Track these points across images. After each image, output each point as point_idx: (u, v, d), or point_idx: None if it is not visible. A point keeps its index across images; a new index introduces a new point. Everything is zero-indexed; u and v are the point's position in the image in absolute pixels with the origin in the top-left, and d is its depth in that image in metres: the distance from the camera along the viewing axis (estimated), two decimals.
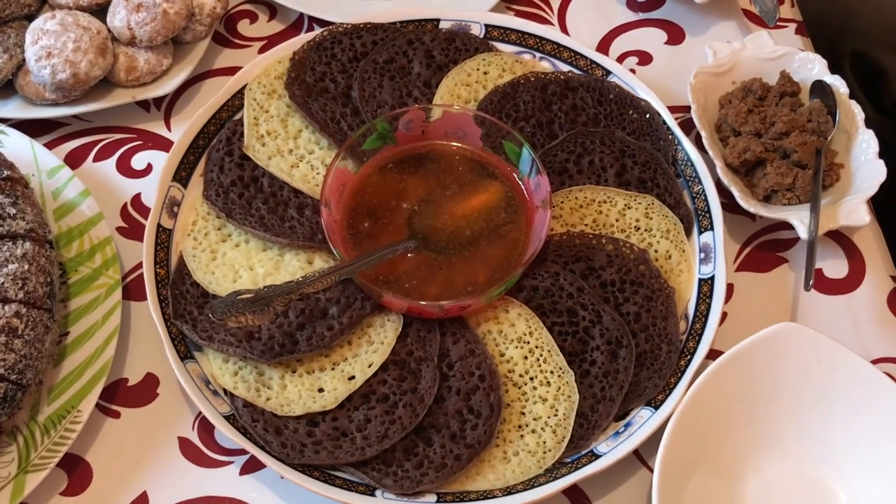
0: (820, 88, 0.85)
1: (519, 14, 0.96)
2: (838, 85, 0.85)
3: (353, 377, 0.72)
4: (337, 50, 0.87)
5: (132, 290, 0.79)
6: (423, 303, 0.73)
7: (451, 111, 0.81)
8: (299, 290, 0.69)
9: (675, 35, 0.94)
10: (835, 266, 0.82)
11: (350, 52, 0.87)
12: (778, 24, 0.94)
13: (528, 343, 0.73)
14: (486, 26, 0.89)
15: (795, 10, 0.97)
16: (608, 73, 0.87)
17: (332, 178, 0.77)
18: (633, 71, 0.92)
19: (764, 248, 0.83)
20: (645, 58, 0.93)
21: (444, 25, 0.89)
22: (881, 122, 1.22)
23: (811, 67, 0.86)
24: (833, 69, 1.19)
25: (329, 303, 0.75)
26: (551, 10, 0.96)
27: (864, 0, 1.11)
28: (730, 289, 0.80)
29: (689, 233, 0.80)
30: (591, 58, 0.87)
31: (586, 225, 0.80)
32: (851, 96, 1.22)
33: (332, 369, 0.72)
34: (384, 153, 0.81)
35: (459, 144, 0.81)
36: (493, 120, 0.79)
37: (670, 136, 0.83)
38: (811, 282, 0.75)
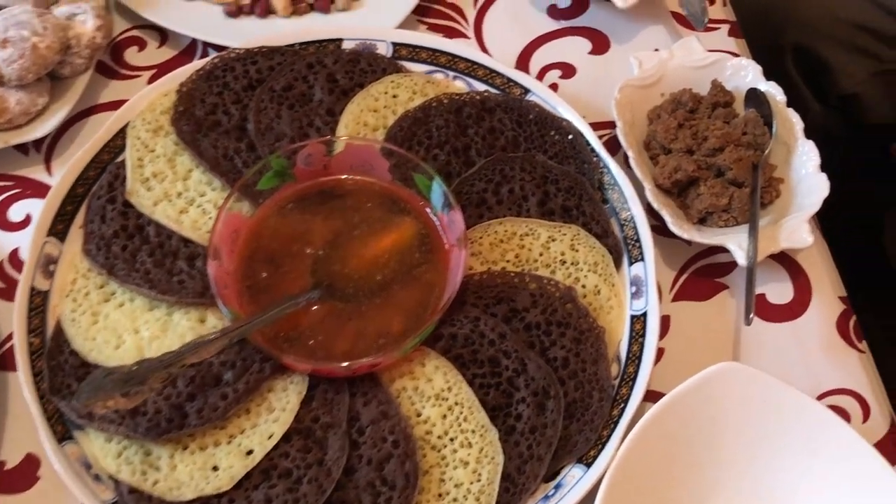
0: (755, 97, 0.79)
1: (432, 28, 0.88)
2: (774, 93, 0.78)
3: (251, 451, 0.64)
4: (229, 78, 0.80)
5: (8, 360, 0.71)
6: (330, 365, 0.66)
7: (355, 143, 0.73)
8: (179, 362, 0.61)
9: (600, 44, 0.88)
10: (779, 290, 0.76)
11: (244, 80, 0.80)
12: (709, 26, 0.88)
13: (447, 400, 0.66)
14: (394, 45, 0.82)
15: (728, 10, 0.91)
16: (527, 91, 0.80)
17: (222, 225, 0.69)
18: (555, 85, 0.85)
19: (702, 274, 0.76)
20: (568, 70, 0.86)
21: (347, 45, 0.82)
22: (827, 115, 1.16)
23: (745, 74, 0.80)
24: (775, 64, 1.14)
25: (223, 367, 0.67)
26: (467, 21, 0.89)
27: None
28: (666, 321, 0.74)
29: (618, 264, 0.73)
30: (509, 76, 0.80)
31: (508, 261, 0.73)
32: (794, 92, 1.17)
33: (228, 443, 0.65)
34: (283, 192, 0.73)
35: (366, 178, 0.74)
36: (400, 152, 0.72)
37: (595, 159, 0.77)
38: (751, 315, 0.69)
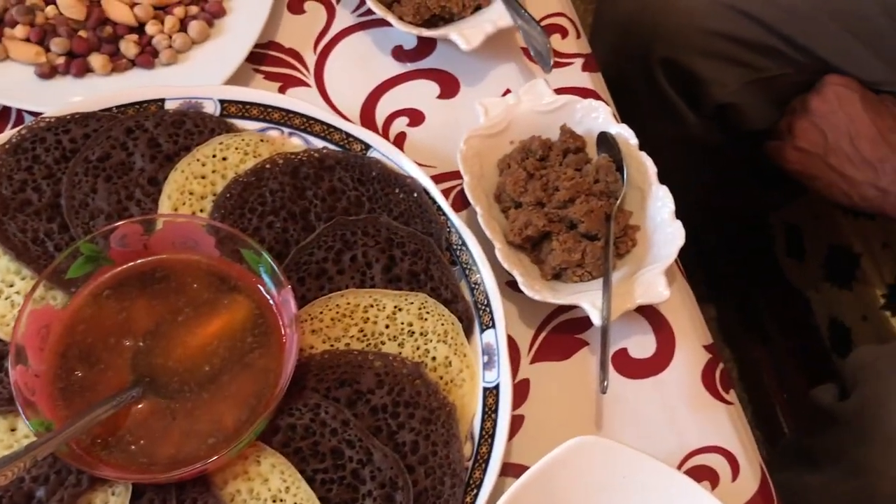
0: (606, 140, 0.75)
1: (269, 76, 0.82)
2: (627, 136, 0.75)
3: None
4: (40, 150, 0.72)
5: None
6: (151, 474, 0.60)
7: (175, 221, 0.67)
8: None
9: (449, 87, 0.83)
10: (641, 343, 0.72)
11: (56, 152, 0.72)
12: (561, 62, 0.84)
13: (285, 502, 0.61)
14: (222, 102, 0.76)
15: (582, 42, 0.87)
16: (368, 146, 0.75)
17: (26, 322, 0.62)
18: (403, 134, 0.80)
19: (561, 331, 0.72)
20: (416, 117, 0.81)
21: (170, 106, 0.75)
22: (703, 125, 1.14)
23: (596, 116, 0.76)
24: (646, 80, 1.11)
25: (35, 483, 0.60)
26: (307, 68, 0.83)
27: (667, 7, 1.02)
28: (525, 386, 0.70)
29: (470, 331, 0.69)
30: (348, 131, 0.75)
31: (352, 337, 0.68)
32: (668, 104, 1.14)
33: None
34: (98, 278, 0.67)
35: (191, 256, 0.68)
36: (224, 228, 0.66)
37: (442, 218, 0.72)
38: (605, 383, 0.65)
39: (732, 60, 1.04)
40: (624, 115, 0.86)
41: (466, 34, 0.79)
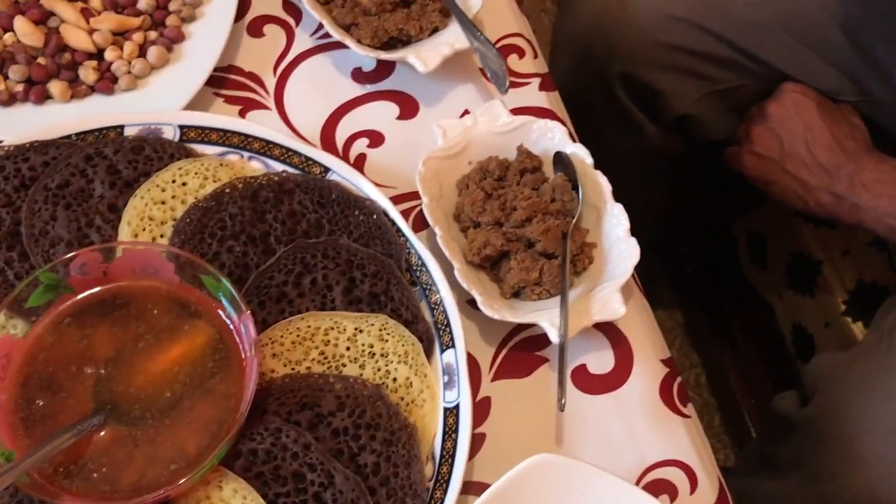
0: (562, 160, 0.76)
1: (229, 100, 0.83)
2: (582, 155, 0.76)
3: None
4: None
5: None
6: (114, 501, 0.60)
7: (134, 249, 0.68)
8: None
9: (408, 108, 0.84)
10: (600, 358, 0.73)
11: (16, 180, 0.73)
12: (518, 82, 0.85)
13: None
14: (181, 127, 0.76)
15: (539, 62, 0.88)
16: (327, 169, 0.75)
17: None
18: (363, 156, 0.81)
19: (522, 349, 0.73)
20: (376, 138, 0.82)
21: (129, 132, 0.76)
22: (664, 136, 1.16)
23: (551, 136, 0.77)
24: (605, 95, 1.13)
25: None
26: (267, 91, 0.84)
27: (623, 22, 1.04)
28: (487, 404, 0.71)
29: (431, 351, 0.70)
30: (306, 154, 0.76)
31: (313, 360, 0.68)
32: (628, 117, 1.16)
33: None
34: (59, 306, 0.67)
35: (151, 283, 0.68)
36: (183, 254, 0.67)
37: (401, 239, 0.73)
38: (563, 401, 0.66)
39: (691, 73, 1.06)
40: (584, 128, 0.87)
41: (424, 57, 0.80)
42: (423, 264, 0.71)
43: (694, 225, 1.57)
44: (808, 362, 1.11)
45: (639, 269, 0.73)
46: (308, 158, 0.76)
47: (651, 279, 0.70)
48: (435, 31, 0.83)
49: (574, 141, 0.79)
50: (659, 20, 1.01)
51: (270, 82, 0.84)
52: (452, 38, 0.82)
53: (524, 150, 0.76)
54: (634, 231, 0.73)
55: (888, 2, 0.97)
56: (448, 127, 0.77)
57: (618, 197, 0.74)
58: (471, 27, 0.81)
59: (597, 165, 0.76)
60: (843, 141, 0.99)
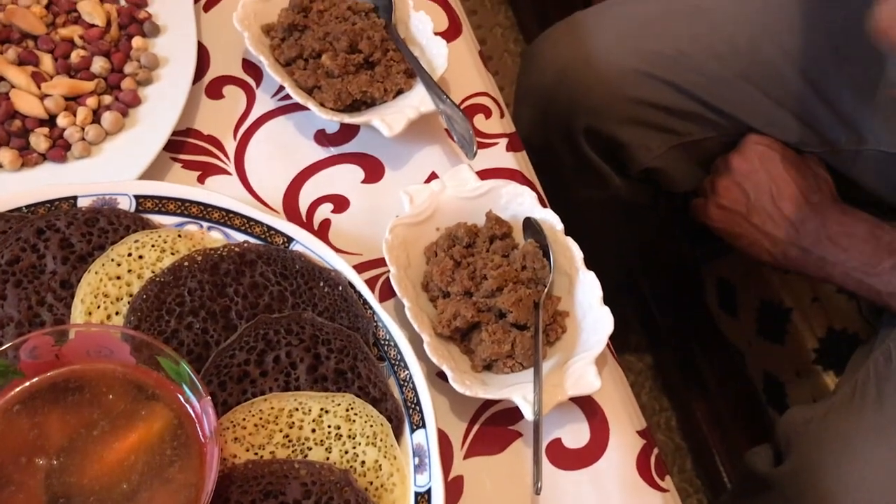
0: (532, 226, 0.75)
1: (188, 165, 0.80)
2: (553, 222, 0.74)
3: None
4: None
5: None
6: None
7: (87, 331, 0.64)
8: None
9: (373, 171, 0.82)
10: (575, 432, 0.71)
11: None
12: (485, 142, 0.83)
13: None
14: (137, 198, 0.73)
15: (506, 122, 0.86)
16: (291, 239, 0.73)
17: None
18: (328, 222, 0.79)
19: (495, 423, 0.71)
20: (341, 203, 0.80)
21: (83, 203, 0.73)
22: (630, 187, 1.15)
23: (521, 201, 0.76)
24: (571, 149, 1.12)
25: None
26: (227, 155, 0.81)
27: (588, 76, 1.03)
28: (459, 483, 0.68)
29: (400, 431, 0.67)
30: (268, 223, 0.73)
31: (277, 444, 0.65)
32: (594, 171, 1.15)
33: None
34: (7, 393, 0.64)
35: (107, 365, 0.65)
36: (138, 336, 0.64)
37: (368, 312, 0.70)
38: (539, 484, 0.63)
39: (655, 126, 1.05)
40: (550, 178, 0.86)
41: (389, 121, 0.78)
42: (392, 338, 0.69)
43: (663, 268, 1.57)
44: (783, 410, 1.09)
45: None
46: (270, 228, 0.73)
47: (620, 320, 0.69)
48: (400, 92, 0.82)
49: (544, 205, 0.77)
50: (623, 74, 1.01)
51: (231, 146, 0.82)
52: (418, 100, 0.80)
53: (493, 217, 0.75)
54: (602, 272, 0.71)
55: (848, 46, 0.97)
56: (415, 193, 0.75)
57: (586, 243, 0.73)
58: (436, 90, 0.79)
59: (564, 216, 0.74)
60: (809, 193, 0.99)
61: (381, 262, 0.76)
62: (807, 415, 0.99)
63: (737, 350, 1.38)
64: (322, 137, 0.83)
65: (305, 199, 0.80)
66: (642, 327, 1.68)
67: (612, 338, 0.71)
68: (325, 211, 0.79)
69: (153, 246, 0.72)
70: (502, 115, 0.86)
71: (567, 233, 0.74)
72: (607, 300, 0.70)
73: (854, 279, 0.97)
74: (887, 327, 1.00)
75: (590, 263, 0.73)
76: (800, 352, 1.24)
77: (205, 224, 0.74)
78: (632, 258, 1.48)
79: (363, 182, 0.81)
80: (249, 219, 0.73)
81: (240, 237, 0.73)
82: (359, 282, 0.71)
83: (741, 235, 1.01)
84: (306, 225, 0.78)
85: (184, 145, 0.81)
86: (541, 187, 0.84)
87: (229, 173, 0.80)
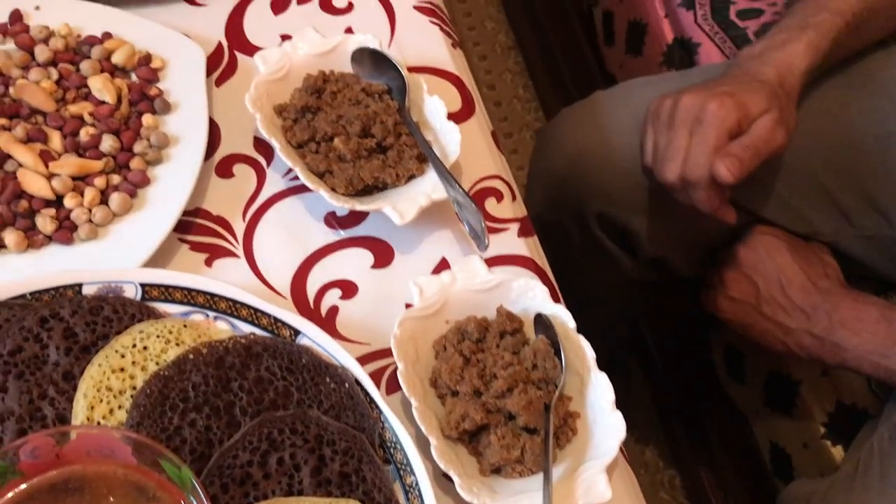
0: (543, 322, 0.73)
1: (196, 247, 0.79)
2: (565, 319, 0.73)
3: None
4: None
5: None
6: None
7: (89, 433, 0.63)
8: None
9: (383, 256, 0.81)
10: None
11: None
12: (497, 227, 0.82)
13: None
14: (143, 285, 0.72)
15: (518, 205, 0.85)
16: (297, 332, 0.72)
17: None
18: (335, 309, 0.77)
19: None
20: (349, 289, 0.79)
21: (88, 290, 0.72)
22: (641, 269, 1.14)
23: (532, 296, 0.75)
24: (581, 230, 1.11)
25: None
26: (235, 237, 0.80)
27: (603, 162, 1.02)
28: None
29: None
30: (275, 315, 0.72)
31: None
32: (605, 253, 1.13)
33: None
34: (5, 493, 0.62)
35: (107, 465, 0.64)
36: (140, 438, 0.63)
37: (375, 412, 0.69)
38: None
39: (666, 217, 1.04)
40: (560, 258, 0.85)
41: (400, 209, 0.77)
42: (398, 441, 0.68)
43: (670, 325, 1.55)
44: (786, 485, 1.08)
45: (612, 366, 0.70)
46: (277, 319, 0.72)
47: (623, 375, 0.68)
48: (412, 177, 0.81)
49: (556, 299, 0.76)
50: (636, 164, 0.99)
51: (239, 227, 0.81)
52: (429, 186, 0.79)
53: (504, 312, 0.73)
54: (607, 326, 0.70)
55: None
56: (425, 285, 0.74)
57: (591, 311, 0.72)
58: (449, 178, 0.78)
59: (568, 293, 0.73)
60: (817, 280, 0.98)
61: (388, 353, 0.74)
62: (809, 489, 0.97)
63: (744, 417, 1.36)
64: (332, 220, 0.82)
65: (314, 284, 0.79)
66: (651, 393, 1.66)
67: (616, 391, 0.70)
68: (333, 297, 0.78)
69: (158, 336, 0.70)
70: (514, 199, 0.85)
71: (572, 303, 0.73)
72: (611, 357, 0.69)
73: (869, 362, 0.95)
74: (894, 402, 0.98)
75: (594, 320, 0.72)
76: (808, 424, 1.22)
77: (211, 314, 0.73)
78: (638, 315, 1.47)
79: (372, 267, 0.80)
80: (256, 310, 0.72)
81: (246, 328, 0.72)
82: (366, 380, 0.70)
83: (752, 326, 1.00)
84: (314, 312, 0.77)
85: (192, 226, 0.80)
86: (551, 272, 0.83)
87: (237, 256, 0.79)
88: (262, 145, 0.85)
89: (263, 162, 0.84)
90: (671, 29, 1.44)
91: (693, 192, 0.87)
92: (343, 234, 0.81)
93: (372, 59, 0.85)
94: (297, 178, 0.82)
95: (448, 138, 0.81)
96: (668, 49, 1.44)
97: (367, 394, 0.69)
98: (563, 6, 1.95)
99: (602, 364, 0.71)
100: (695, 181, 0.85)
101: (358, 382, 0.70)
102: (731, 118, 0.82)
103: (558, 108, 1.09)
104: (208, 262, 0.79)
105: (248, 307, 0.72)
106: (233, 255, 0.79)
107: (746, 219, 1.01)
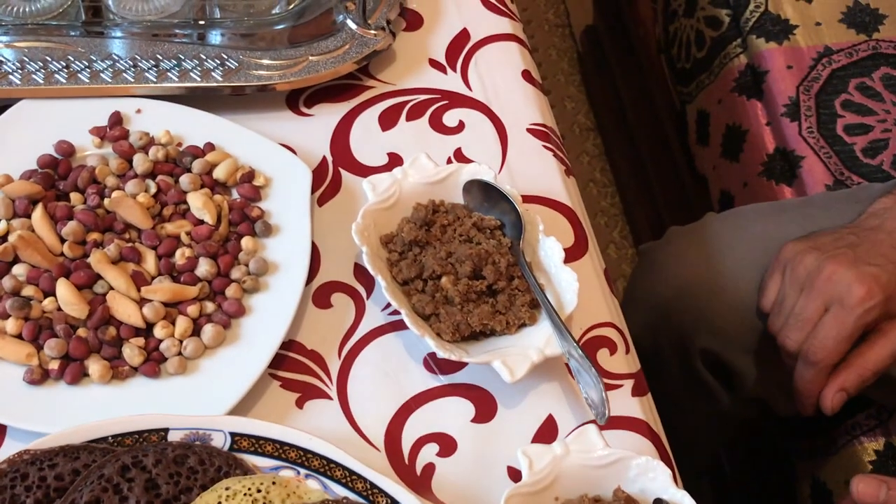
0: None
1: (287, 384, 0.74)
2: None
3: None
4: (20, 489, 0.63)
5: None
6: None
7: None
8: None
9: (485, 408, 0.74)
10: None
11: (39, 491, 0.63)
12: (610, 384, 0.76)
13: None
14: (233, 435, 0.67)
15: (631, 358, 0.79)
16: (394, 500, 0.66)
17: None
18: (431, 466, 0.71)
19: None
20: (447, 444, 0.73)
21: (174, 436, 0.66)
22: (739, 405, 1.07)
23: (653, 477, 0.68)
24: (683, 364, 1.04)
25: None
26: (330, 377, 0.75)
27: (711, 298, 0.95)
28: None
29: None
30: (372, 480, 0.66)
31: None
32: (705, 388, 1.05)
33: None
34: None
35: None
36: None
37: None
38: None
39: (770, 361, 0.96)
40: (655, 383, 0.79)
41: (510, 364, 0.71)
42: None
43: (751, 457, 1.46)
44: None
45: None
46: (374, 486, 0.66)
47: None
48: (522, 325, 0.75)
49: (677, 483, 0.69)
50: (751, 300, 0.92)
51: (334, 365, 0.75)
52: (542, 340, 0.73)
53: (623, 497, 0.67)
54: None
55: None
56: (534, 455, 0.67)
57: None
58: (564, 332, 0.72)
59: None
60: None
61: None
62: None
63: None
64: (431, 362, 0.76)
65: (409, 435, 0.73)
66: None
67: None
68: (429, 453, 0.72)
69: (245, 495, 0.65)
70: (627, 351, 0.79)
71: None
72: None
73: None
74: None
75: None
76: None
77: (303, 471, 0.67)
78: (718, 442, 1.39)
79: (473, 420, 0.74)
80: (352, 472, 0.66)
81: (339, 490, 0.66)
82: None
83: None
84: (409, 469, 0.71)
85: (284, 360, 0.75)
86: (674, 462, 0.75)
87: (330, 398, 0.74)
88: (362, 273, 0.79)
89: (363, 292, 0.79)
90: (773, 138, 1.38)
91: (804, 369, 0.81)
92: (443, 379, 0.75)
93: (484, 188, 0.80)
94: (396, 311, 0.77)
95: (564, 286, 0.75)
96: (768, 159, 1.37)
97: None
98: (650, 97, 1.89)
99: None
100: (812, 362, 0.79)
101: None
102: (873, 314, 0.76)
103: (636, 196, 1.03)
104: (299, 403, 0.73)
105: (343, 468, 0.67)
106: (326, 396, 0.74)
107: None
